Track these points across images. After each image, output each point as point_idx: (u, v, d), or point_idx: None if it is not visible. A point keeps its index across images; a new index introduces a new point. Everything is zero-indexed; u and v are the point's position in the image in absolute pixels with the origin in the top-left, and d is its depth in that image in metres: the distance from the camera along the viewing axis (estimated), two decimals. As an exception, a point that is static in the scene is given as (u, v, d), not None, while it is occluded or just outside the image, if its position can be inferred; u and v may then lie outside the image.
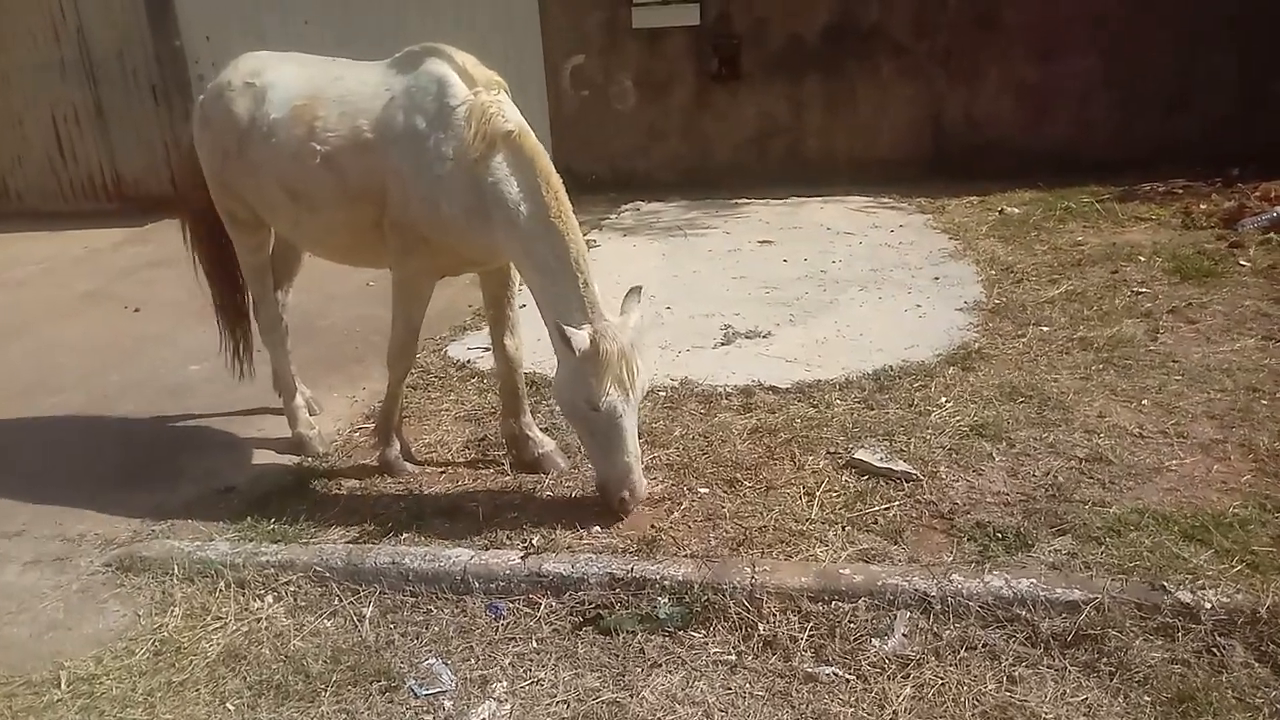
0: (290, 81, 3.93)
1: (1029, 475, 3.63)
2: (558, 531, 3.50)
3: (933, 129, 8.94)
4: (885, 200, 8.35)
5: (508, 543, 3.46)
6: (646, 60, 9.23)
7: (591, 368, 3.29)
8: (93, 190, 11.06)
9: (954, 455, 3.80)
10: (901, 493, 3.57)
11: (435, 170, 3.53)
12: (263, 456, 4.43)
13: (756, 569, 3.13)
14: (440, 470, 4.06)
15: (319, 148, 3.72)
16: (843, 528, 3.39)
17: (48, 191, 11.17)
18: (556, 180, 3.47)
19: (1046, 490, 3.51)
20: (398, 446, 4.10)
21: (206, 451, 4.51)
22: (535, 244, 3.42)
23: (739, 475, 3.79)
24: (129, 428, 4.85)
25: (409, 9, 9.42)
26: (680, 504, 3.64)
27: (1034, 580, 2.96)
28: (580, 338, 3.26)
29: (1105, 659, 2.72)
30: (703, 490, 3.72)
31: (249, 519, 3.79)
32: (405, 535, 3.56)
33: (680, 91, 9.28)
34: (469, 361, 5.26)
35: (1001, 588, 2.94)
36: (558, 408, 3.64)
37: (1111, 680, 2.66)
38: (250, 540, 3.60)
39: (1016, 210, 7.58)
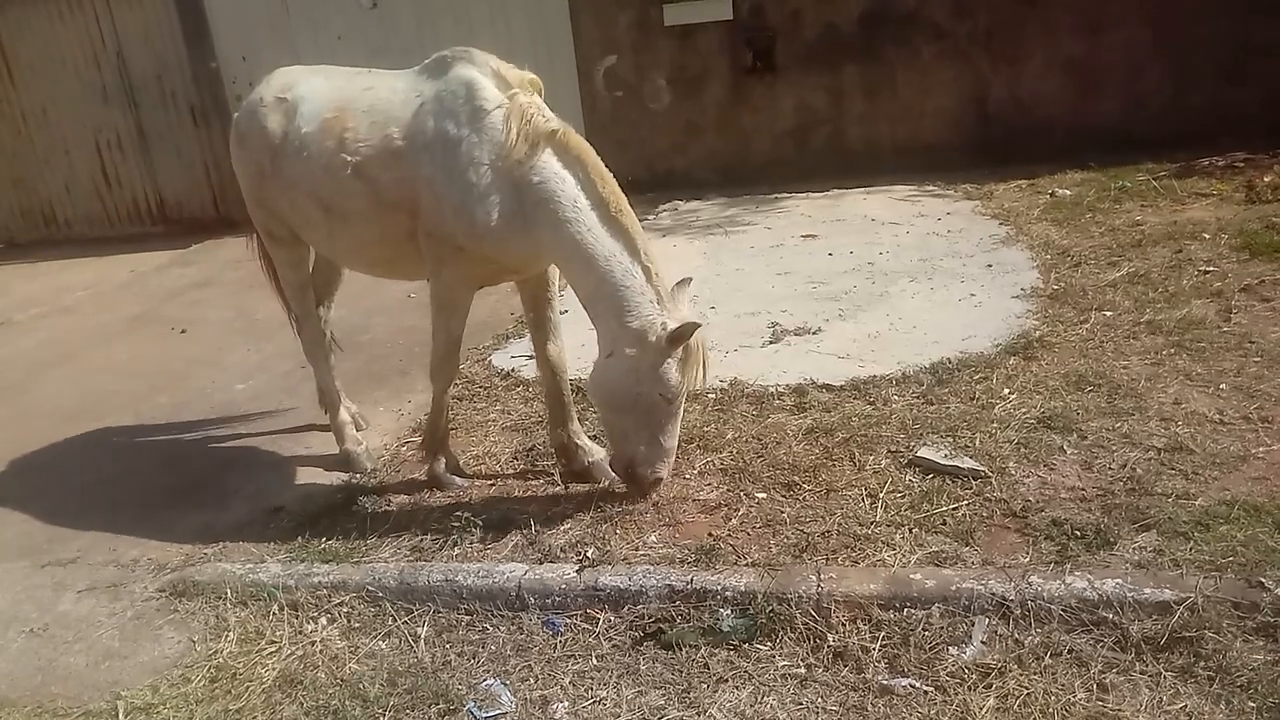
0: (320, 94, 3.88)
1: (1105, 468, 3.45)
2: (612, 543, 3.40)
3: (977, 112, 8.70)
4: (930, 188, 8.15)
5: (562, 556, 3.37)
6: (680, 57, 9.11)
7: (680, 358, 3.30)
8: (137, 214, 11.23)
9: (1022, 450, 3.63)
10: (969, 491, 3.42)
11: (469, 176, 3.44)
12: (311, 474, 4.39)
13: (822, 576, 3.00)
14: (489, 482, 3.99)
15: (350, 159, 3.67)
16: (910, 530, 3.24)
17: (95, 217, 11.37)
18: (609, 174, 3.42)
19: (1125, 483, 3.33)
20: (446, 460, 4.03)
21: (255, 471, 4.49)
22: (596, 242, 3.33)
23: (797, 478, 3.66)
24: (178, 449, 4.85)
25: (440, 17, 9.41)
26: (737, 510, 3.52)
27: (1120, 580, 2.79)
28: (686, 329, 3.23)
29: (1202, 663, 2.54)
30: (760, 495, 3.59)
31: (300, 538, 3.75)
32: (457, 551, 3.49)
33: (715, 87, 9.15)
34: (513, 370, 5.18)
35: (1085, 589, 2.78)
36: (602, 397, 3.49)
37: (1211, 685, 2.49)
38: (302, 561, 3.55)
39: (1068, 192, 7.33)
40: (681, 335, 3.25)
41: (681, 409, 3.45)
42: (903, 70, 8.74)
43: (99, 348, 6.75)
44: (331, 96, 3.85)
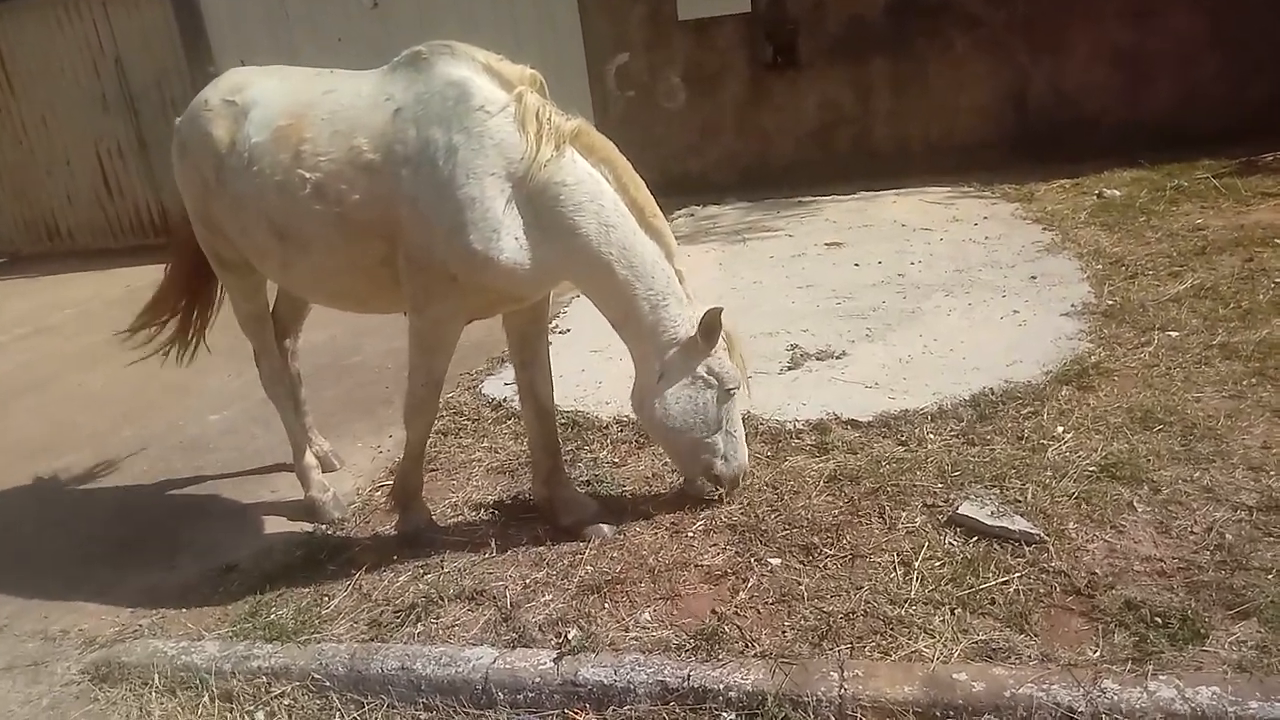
0: (274, 98, 3.37)
1: (1185, 532, 2.89)
2: (599, 620, 2.90)
3: (1015, 107, 8.09)
4: (966, 189, 7.56)
5: (539, 636, 2.87)
6: (695, 53, 8.58)
7: (726, 348, 3.22)
8: (139, 225, 10.91)
9: (1083, 506, 3.08)
10: (1022, 560, 2.87)
11: (468, 191, 2.94)
12: (273, 524, 3.94)
13: (846, 673, 2.48)
14: (465, 540, 3.49)
15: (308, 175, 3.16)
16: (951, 610, 2.71)
17: (97, 228, 11.07)
18: (635, 173, 3.12)
19: (1212, 552, 2.77)
20: (417, 514, 3.55)
21: (212, 520, 4.04)
22: (641, 247, 3.06)
23: (817, 539, 3.13)
24: (133, 494, 4.41)
25: (444, 17, 8.95)
26: (746, 580, 3.00)
27: (1217, 690, 2.25)
28: (714, 318, 3.09)
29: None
30: (773, 561, 3.07)
31: (249, 602, 3.29)
32: (420, 627, 3.00)
33: (733, 84, 8.61)
34: (505, 400, 4.69)
35: (1173, 700, 2.24)
36: (667, 423, 3.23)
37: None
38: (244, 639, 3.07)
39: (1118, 192, 6.72)
40: (713, 326, 3.12)
41: (745, 393, 3.37)
42: (934, 63, 8.15)
43: (74, 373, 6.36)
44: (287, 101, 3.34)
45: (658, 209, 3.14)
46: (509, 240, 2.98)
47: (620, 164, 3.10)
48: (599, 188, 3.02)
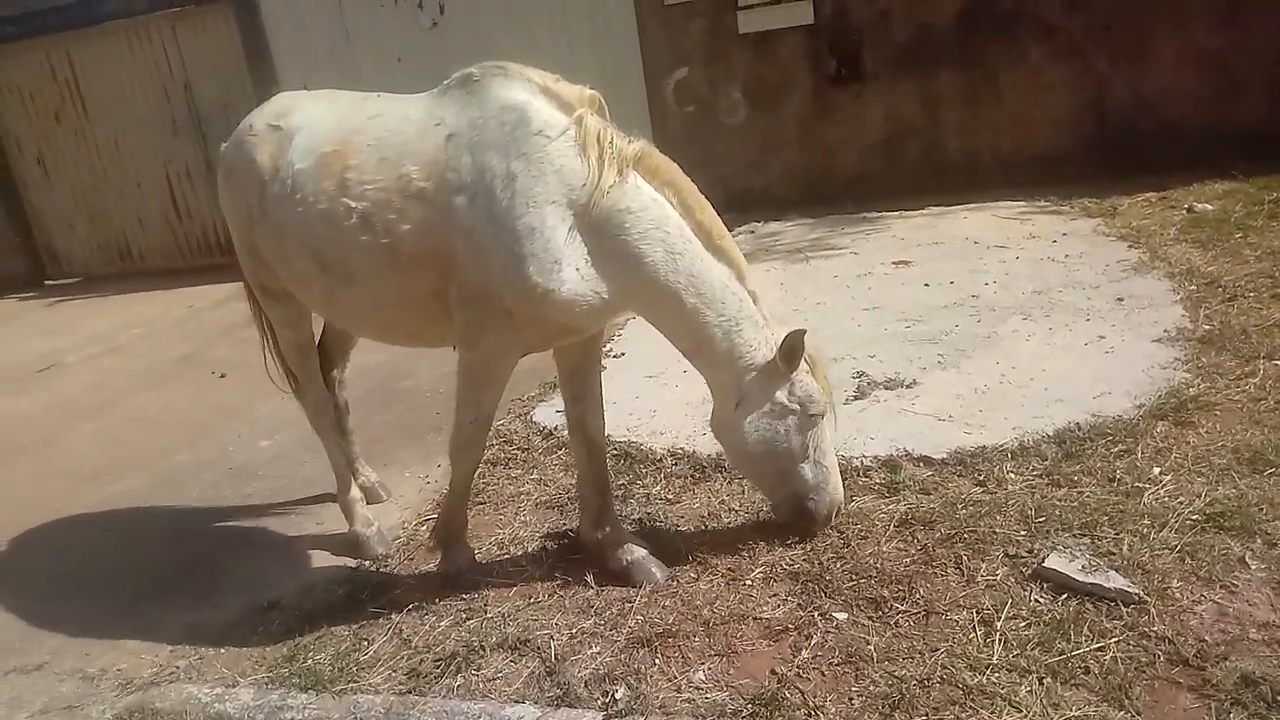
0: (321, 123, 3.26)
1: (1308, 594, 2.58)
2: (649, 677, 2.70)
3: (1095, 116, 7.68)
4: (1042, 204, 7.19)
5: (584, 694, 2.68)
6: (756, 67, 8.36)
7: (810, 372, 3.04)
8: (207, 246, 11.08)
9: (1188, 561, 2.78)
10: (1119, 622, 2.59)
11: (527, 220, 2.79)
12: (317, 559, 3.82)
13: (920, 752, 2.23)
14: (510, 582, 3.32)
15: (354, 204, 3.02)
16: (1040, 679, 2.43)
17: (167, 250, 11.27)
18: (701, 195, 2.97)
19: (1341, 620, 2.46)
20: (461, 554, 3.39)
21: (256, 553, 3.94)
22: (710, 273, 2.90)
23: (887, 592, 2.88)
24: (182, 522, 4.35)
25: (499, 32, 8.90)
26: (810, 636, 2.76)
27: (1359, 790, 1.94)
28: (796, 340, 2.92)
29: None
30: (839, 615, 2.83)
31: (288, 646, 3.17)
32: (460, 679, 2.84)
33: (796, 98, 8.36)
34: (557, 428, 4.52)
35: (1305, 801, 1.94)
36: (749, 452, 3.08)
37: None
38: (279, 686, 2.95)
39: (1210, 207, 6.29)
40: (795, 349, 2.94)
41: (832, 419, 3.16)
42: (1007, 73, 7.79)
43: (136, 394, 6.40)
44: (333, 126, 3.22)
45: (725, 230, 2.99)
46: (570, 272, 2.82)
47: (685, 186, 2.95)
48: (664, 213, 2.87)
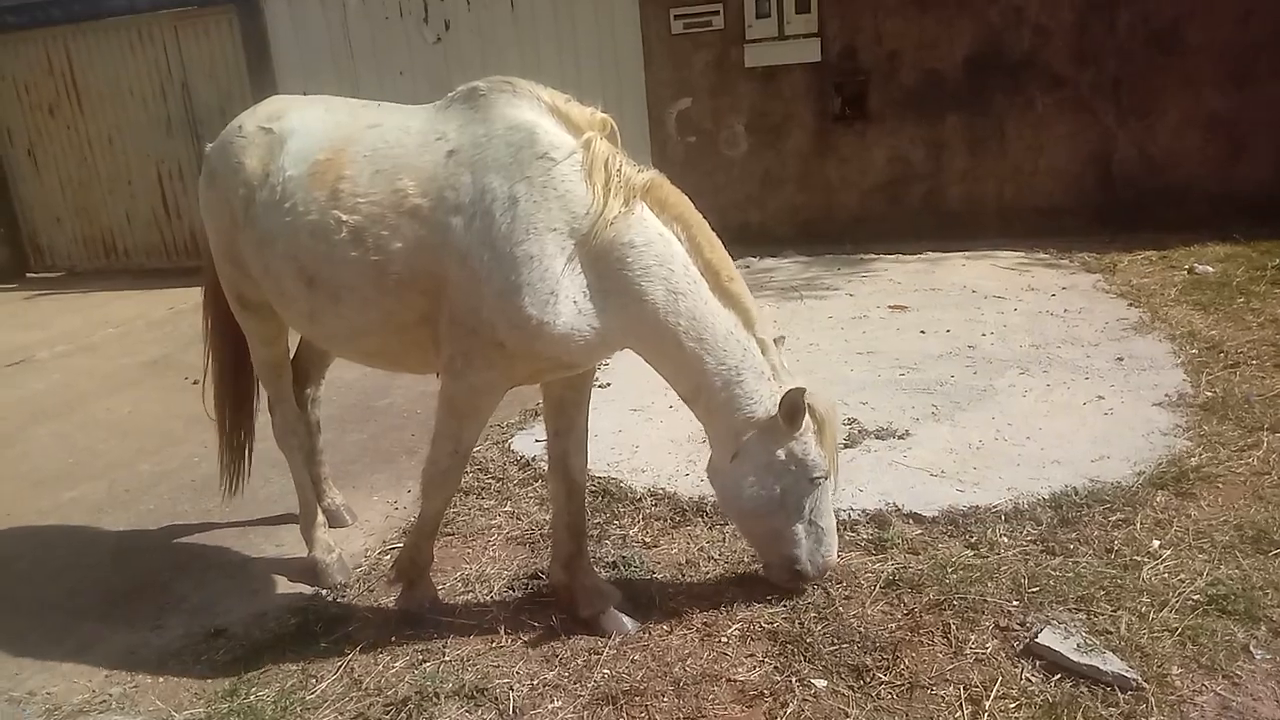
0: (315, 129, 3.09)
1: (1317, 690, 2.42)
2: (612, 739, 2.52)
3: (1099, 171, 7.63)
4: (1042, 255, 7.11)
5: (542, 755, 2.50)
6: (760, 102, 8.29)
7: (817, 434, 2.85)
8: (193, 248, 10.84)
9: (1188, 645, 2.62)
10: (1115, 710, 2.42)
11: (527, 248, 2.63)
12: (272, 584, 3.63)
13: (899, 844, 2.05)
14: (472, 624, 3.13)
15: (345, 218, 2.85)
16: (1029, 769, 2.27)
17: (153, 249, 11.09)
18: (711, 232, 2.82)
19: (1352, 721, 2.30)
20: (422, 591, 3.21)
21: (208, 574, 3.74)
22: (713, 318, 2.74)
23: (869, 660, 2.71)
24: (135, 538, 4.15)
25: (506, 51, 8.83)
26: (786, 704, 2.59)
27: None
28: (796, 399, 2.72)
29: None
30: (818, 683, 2.66)
31: (228, 683, 2.97)
32: (410, 730, 2.65)
33: (798, 135, 8.29)
34: (534, 459, 4.35)
35: None
36: (741, 507, 2.92)
37: None
38: (215, 725, 2.76)
39: (1211, 269, 6.22)
40: (795, 408, 2.74)
41: (833, 483, 2.99)
42: (1013, 122, 7.74)
43: (104, 397, 6.20)
44: (328, 134, 3.06)
45: (735, 272, 2.82)
46: (566, 305, 2.66)
47: (694, 222, 2.79)
48: (669, 250, 2.71)
